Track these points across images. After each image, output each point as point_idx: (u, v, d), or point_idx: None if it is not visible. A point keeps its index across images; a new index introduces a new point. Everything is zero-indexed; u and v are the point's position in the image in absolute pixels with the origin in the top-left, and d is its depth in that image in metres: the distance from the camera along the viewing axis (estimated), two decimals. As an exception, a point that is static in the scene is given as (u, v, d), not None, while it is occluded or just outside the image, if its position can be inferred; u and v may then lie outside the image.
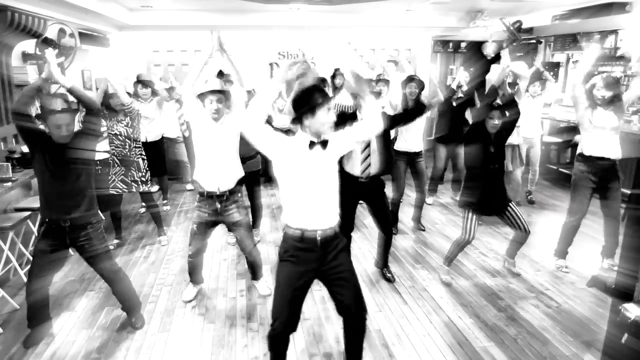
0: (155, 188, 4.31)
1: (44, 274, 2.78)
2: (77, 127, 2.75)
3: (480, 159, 3.42)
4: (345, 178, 3.38)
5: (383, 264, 3.75)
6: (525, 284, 3.63)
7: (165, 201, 5.63)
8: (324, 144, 2.17)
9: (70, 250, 2.87)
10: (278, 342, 2.26)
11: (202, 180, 3.09)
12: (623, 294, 1.63)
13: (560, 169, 6.51)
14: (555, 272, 3.83)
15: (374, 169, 3.34)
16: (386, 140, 3.44)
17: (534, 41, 7.50)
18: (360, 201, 3.60)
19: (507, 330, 3.00)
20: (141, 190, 4.23)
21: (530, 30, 7.37)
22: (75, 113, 2.69)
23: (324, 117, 2.12)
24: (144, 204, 5.19)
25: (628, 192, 5.03)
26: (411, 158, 4.54)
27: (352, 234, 3.70)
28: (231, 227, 3.21)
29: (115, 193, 4.13)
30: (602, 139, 3.58)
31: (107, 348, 2.84)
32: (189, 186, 6.44)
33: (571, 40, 7.02)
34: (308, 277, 2.24)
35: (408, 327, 3.06)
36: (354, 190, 3.37)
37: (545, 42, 7.66)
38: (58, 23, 4.96)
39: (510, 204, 3.51)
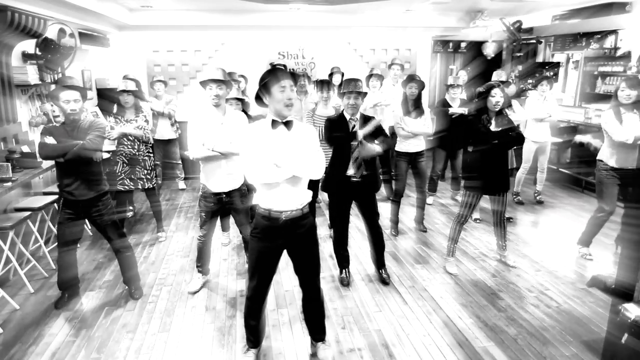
0: (159, 180, 4.55)
1: (67, 243, 3.27)
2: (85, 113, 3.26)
3: (481, 140, 3.56)
4: (338, 179, 3.44)
5: (379, 264, 3.75)
6: (525, 284, 3.63)
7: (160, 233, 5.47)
8: (288, 124, 2.30)
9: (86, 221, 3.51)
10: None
11: (210, 184, 3.33)
12: (623, 294, 1.63)
13: (560, 169, 6.51)
14: (556, 272, 3.83)
15: (365, 169, 3.42)
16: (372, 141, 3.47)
17: (534, 41, 7.52)
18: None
19: (507, 330, 3.00)
20: (146, 187, 4.45)
21: (530, 30, 7.37)
22: (84, 94, 3.14)
23: (278, 94, 2.22)
24: (131, 207, 5.34)
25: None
26: (413, 158, 4.56)
27: (353, 232, 3.70)
28: (232, 211, 3.51)
29: (122, 189, 4.36)
30: (628, 151, 3.69)
31: (107, 348, 2.84)
32: (182, 184, 6.57)
33: (571, 40, 7.01)
34: (275, 250, 2.47)
35: (408, 327, 3.06)
36: (347, 190, 3.48)
37: (545, 42, 7.66)
38: (58, 23, 4.96)
39: (507, 192, 3.74)
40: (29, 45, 4.62)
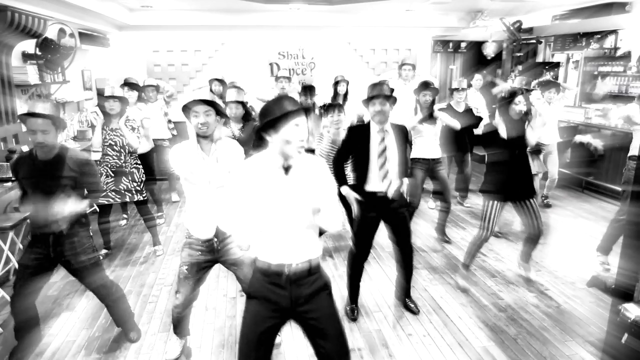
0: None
1: (26, 290, 2.57)
2: (60, 139, 2.62)
3: (500, 146, 3.35)
4: (363, 197, 2.93)
5: (405, 294, 3.30)
6: (525, 284, 3.63)
7: (160, 213, 5.18)
8: (287, 169, 1.83)
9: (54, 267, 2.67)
10: None
11: (195, 228, 2.49)
12: (623, 294, 1.63)
13: (560, 169, 6.50)
14: (556, 272, 3.83)
15: (395, 183, 2.98)
16: (405, 152, 3.11)
17: (534, 41, 7.52)
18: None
19: (507, 330, 3.00)
20: (135, 199, 4.08)
21: (530, 30, 7.37)
22: (56, 122, 2.46)
23: (289, 134, 1.76)
24: (125, 215, 5.13)
25: (619, 189, 5.03)
26: (430, 166, 4.22)
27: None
28: (230, 266, 2.61)
29: (106, 203, 3.97)
30: None
31: (107, 348, 2.84)
32: (175, 197, 5.94)
33: (571, 40, 7.02)
34: (277, 318, 1.89)
35: (408, 327, 3.06)
36: (374, 209, 3.00)
37: (545, 42, 7.67)
38: (58, 23, 4.97)
39: (533, 197, 3.41)
40: (29, 45, 4.63)
